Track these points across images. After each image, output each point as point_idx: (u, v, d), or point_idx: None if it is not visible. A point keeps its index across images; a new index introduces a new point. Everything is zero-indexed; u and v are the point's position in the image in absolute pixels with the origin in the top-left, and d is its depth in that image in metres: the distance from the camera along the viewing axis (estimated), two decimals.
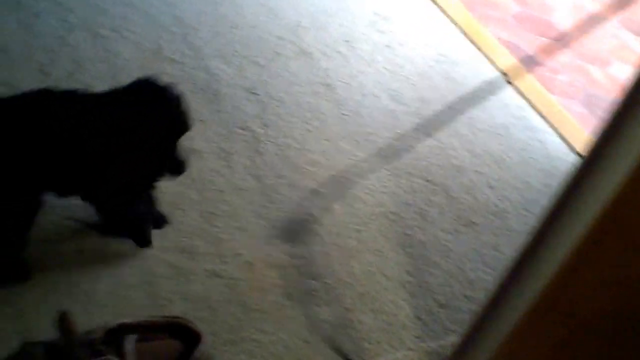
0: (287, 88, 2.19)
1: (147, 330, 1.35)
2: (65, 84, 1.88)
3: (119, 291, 1.49)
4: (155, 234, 1.62)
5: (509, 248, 1.90)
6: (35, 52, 1.96)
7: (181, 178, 1.75)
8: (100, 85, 1.92)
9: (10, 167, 1.33)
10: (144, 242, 1.59)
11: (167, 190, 1.73)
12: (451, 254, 1.85)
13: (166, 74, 2.05)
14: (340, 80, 2.31)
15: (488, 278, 1.81)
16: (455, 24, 2.90)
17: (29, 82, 1.86)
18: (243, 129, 1.97)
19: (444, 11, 2.95)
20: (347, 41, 2.52)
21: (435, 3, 2.98)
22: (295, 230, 1.76)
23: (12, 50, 1.94)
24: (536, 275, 0.96)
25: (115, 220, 1.57)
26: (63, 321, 1.22)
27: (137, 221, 1.58)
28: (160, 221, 1.65)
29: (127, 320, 1.31)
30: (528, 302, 0.96)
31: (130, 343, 1.28)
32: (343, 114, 2.17)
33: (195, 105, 1.98)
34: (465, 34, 2.86)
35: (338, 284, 1.67)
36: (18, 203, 1.38)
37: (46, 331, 1.38)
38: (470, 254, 1.87)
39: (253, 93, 2.11)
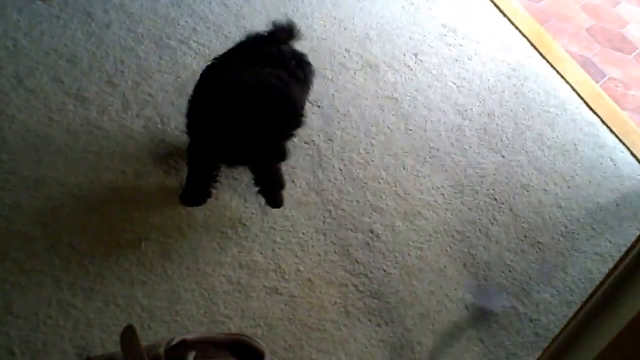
0: (352, 101, 2.16)
1: (208, 346, 1.34)
2: (132, 95, 1.91)
3: (177, 307, 1.48)
4: (214, 249, 1.61)
5: (577, 269, 1.82)
6: (103, 63, 1.99)
7: (243, 192, 1.76)
8: (164, 96, 1.94)
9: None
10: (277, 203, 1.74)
11: (228, 204, 1.72)
12: (516, 275, 1.79)
13: None
14: (406, 94, 2.26)
15: (554, 300, 1.74)
16: (526, 37, 2.81)
17: (96, 92, 1.89)
18: (307, 143, 1.95)
19: (514, 24, 2.87)
20: (414, 54, 2.47)
21: (506, 16, 2.91)
22: (356, 247, 1.72)
23: (80, 61, 1.97)
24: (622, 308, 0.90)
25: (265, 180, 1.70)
26: (127, 335, 1.21)
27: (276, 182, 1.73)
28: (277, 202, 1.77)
29: (188, 335, 1.30)
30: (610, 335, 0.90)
31: (191, 359, 1.26)
32: (409, 129, 2.13)
33: None
34: (536, 48, 2.77)
35: (399, 303, 1.63)
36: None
37: (103, 345, 1.39)
38: (536, 275, 1.80)
39: (318, 106, 2.09)
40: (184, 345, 1.32)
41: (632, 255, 0.97)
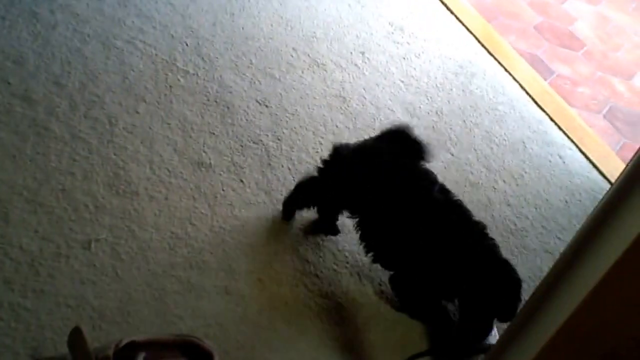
0: (300, 101, 2.18)
1: (157, 347, 1.34)
2: (79, 96, 1.89)
3: (128, 307, 1.48)
4: (164, 249, 1.61)
5: (527, 267, 1.87)
6: (50, 64, 1.96)
7: (193, 192, 1.76)
8: (112, 97, 1.93)
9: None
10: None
11: (178, 204, 1.72)
12: None
13: (179, 86, 2.04)
14: (354, 93, 2.29)
15: None
16: (474, 35, 2.87)
17: (43, 93, 1.86)
18: (256, 143, 1.96)
19: (461, 22, 2.93)
20: (362, 53, 2.50)
21: (453, 14, 2.96)
22: (306, 247, 1.74)
23: (27, 62, 1.94)
24: (562, 301, 0.93)
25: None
26: (75, 337, 1.21)
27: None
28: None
29: (137, 337, 1.30)
30: (552, 328, 0.93)
31: None
32: (357, 128, 2.15)
33: (207, 118, 1.98)
34: (483, 45, 2.83)
35: (349, 303, 1.65)
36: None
37: (55, 347, 1.38)
38: None
39: (266, 106, 2.10)
40: (134, 347, 1.32)
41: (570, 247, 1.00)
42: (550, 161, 2.31)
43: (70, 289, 1.48)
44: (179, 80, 2.06)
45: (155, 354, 1.34)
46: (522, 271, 1.84)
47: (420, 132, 2.21)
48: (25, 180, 1.64)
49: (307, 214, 1.78)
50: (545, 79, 2.80)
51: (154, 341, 1.35)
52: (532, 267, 1.90)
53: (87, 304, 1.46)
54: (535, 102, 2.59)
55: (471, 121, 2.36)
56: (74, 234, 1.58)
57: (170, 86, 2.03)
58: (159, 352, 1.35)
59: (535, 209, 2.09)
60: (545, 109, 2.56)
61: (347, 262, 1.73)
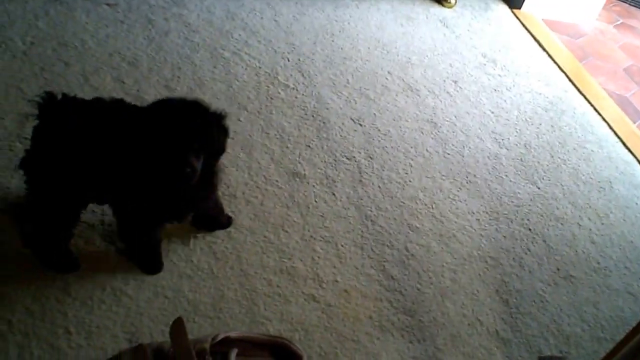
0: (393, 122, 2.23)
1: (249, 345, 1.39)
2: None
3: (220, 304, 1.55)
4: (257, 252, 1.68)
5: (608, 306, 1.85)
6: (162, 68, 2.07)
7: (287, 200, 1.82)
8: (217, 103, 2.02)
9: (70, 170, 1.37)
10: (151, 269, 1.59)
11: (272, 211, 1.79)
12: (548, 306, 1.82)
13: (279, 99, 2.13)
14: (445, 119, 2.33)
15: (585, 335, 1.77)
16: (564, 72, 2.87)
17: (154, 94, 1.97)
18: (349, 159, 2.02)
19: (553, 59, 2.93)
20: (454, 81, 2.53)
21: (545, 51, 2.97)
22: (392, 264, 1.78)
23: (141, 64, 2.06)
24: None
25: (132, 241, 1.54)
26: (177, 327, 1.27)
27: (151, 247, 1.56)
28: (226, 223, 1.73)
29: (231, 333, 1.36)
30: None
31: (233, 356, 1.32)
32: (447, 153, 2.19)
33: (304, 130, 2.05)
34: (573, 83, 2.82)
35: (431, 323, 1.68)
36: (69, 203, 1.43)
37: (151, 334, 1.46)
38: (567, 308, 1.83)
39: (360, 124, 2.16)
40: (227, 342, 1.38)
41: None
42: (637, 204, 2.28)
43: (169, 280, 1.56)
44: (279, 93, 2.15)
45: (246, 351, 1.38)
46: (603, 310, 1.84)
47: (507, 162, 2.23)
48: None
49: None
50: (634, 122, 2.77)
51: (246, 339, 1.40)
52: (613, 307, 1.88)
53: (183, 297, 1.54)
54: (624, 144, 2.56)
55: (559, 157, 2.36)
56: (176, 229, 1.66)
57: (271, 98, 2.12)
58: (250, 350, 1.39)
59: (620, 249, 2.07)
60: (634, 151, 2.53)
61: (432, 283, 1.76)
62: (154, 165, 1.30)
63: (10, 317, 1.41)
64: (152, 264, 1.58)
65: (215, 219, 1.70)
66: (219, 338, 1.35)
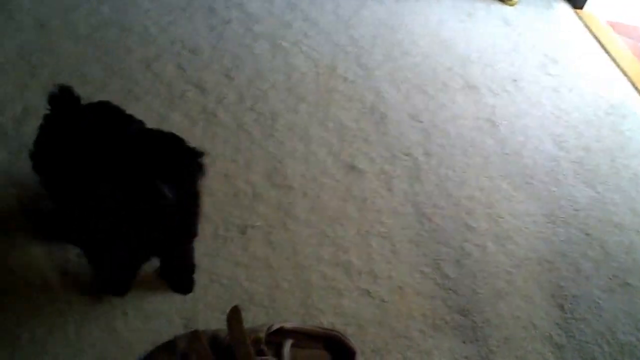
0: (451, 120, 2.20)
1: (303, 337, 1.39)
2: (246, 90, 2.00)
3: (275, 294, 1.55)
4: (312, 244, 1.67)
5: None
6: (222, 56, 2.09)
7: (343, 194, 1.82)
8: (276, 94, 2.03)
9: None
10: (108, 290, 1.48)
11: (328, 204, 1.79)
12: (603, 313, 1.78)
13: (338, 91, 2.12)
14: (504, 119, 2.29)
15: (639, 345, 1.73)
16: (628, 77, 2.79)
17: (214, 82, 1.99)
18: (406, 155, 2.00)
19: (616, 63, 2.86)
20: (514, 80, 2.49)
21: (608, 53, 2.89)
22: (447, 262, 1.76)
23: (202, 53, 2.08)
24: None
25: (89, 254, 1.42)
26: (234, 315, 1.28)
27: (109, 265, 1.43)
28: (185, 288, 1.54)
29: (286, 324, 1.36)
30: None
31: (287, 347, 1.32)
32: (505, 153, 2.15)
33: (362, 124, 2.04)
34: (637, 88, 2.75)
35: (484, 324, 1.65)
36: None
37: (206, 320, 1.47)
38: (624, 316, 1.79)
39: (418, 121, 2.14)
40: (281, 333, 1.38)
41: None
42: None
43: (225, 268, 1.57)
44: (338, 85, 2.14)
45: (300, 342, 1.39)
46: None
47: (566, 165, 2.18)
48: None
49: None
50: None
51: (300, 330, 1.40)
52: None
53: (238, 285, 1.55)
54: None
55: (619, 162, 2.30)
56: (232, 218, 1.67)
57: (330, 90, 2.11)
58: (304, 342, 1.40)
59: None
60: None
61: (486, 284, 1.74)
62: (125, 191, 1.20)
63: (70, 297, 1.44)
64: (118, 288, 1.49)
65: (178, 275, 1.53)
66: (274, 328, 1.36)
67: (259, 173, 1.79)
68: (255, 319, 1.50)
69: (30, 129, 1.70)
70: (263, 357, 1.27)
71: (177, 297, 1.49)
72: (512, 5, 3.01)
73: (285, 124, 1.94)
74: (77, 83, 1.89)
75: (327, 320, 1.54)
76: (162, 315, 1.45)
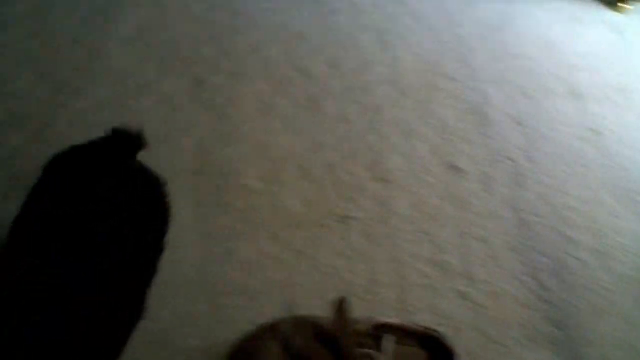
0: (554, 126, 2.14)
1: (401, 333, 1.39)
2: (351, 81, 2.00)
3: (373, 287, 1.55)
4: (410, 241, 1.66)
5: None
6: (328, 46, 2.09)
7: (442, 193, 1.79)
8: (380, 87, 2.01)
9: None
10: None
11: (427, 201, 1.77)
12: None
13: (442, 90, 2.09)
14: (609, 129, 2.21)
15: None
16: None
17: (320, 71, 1.99)
18: (508, 159, 1.96)
19: None
20: (622, 90, 2.40)
21: None
22: (546, 273, 1.71)
23: (308, 41, 2.08)
24: None
25: None
26: (342, 305, 1.29)
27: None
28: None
29: (391, 320, 1.36)
30: None
31: (389, 343, 1.32)
32: (610, 166, 2.08)
33: (464, 124, 2.01)
34: None
35: (582, 340, 1.61)
36: None
37: (305, 305, 1.48)
38: None
39: (520, 125, 2.09)
40: (381, 327, 1.38)
41: None
42: None
43: (326, 257, 1.58)
44: (441, 83, 2.11)
45: (400, 339, 1.38)
46: None
47: None
48: (300, 148, 1.77)
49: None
50: None
51: (400, 327, 1.40)
52: None
53: (338, 276, 1.55)
54: None
55: None
56: (334, 207, 1.67)
57: (433, 87, 2.09)
58: (404, 339, 1.39)
59: None
60: None
61: (585, 299, 1.68)
62: None
63: (178, 270, 1.47)
64: None
65: None
66: (380, 323, 1.36)
67: (361, 165, 1.79)
68: (353, 310, 1.50)
69: (144, 105, 1.76)
70: (365, 350, 1.27)
71: (278, 280, 1.51)
72: (623, 12, 2.89)
73: (389, 119, 1.93)
74: (191, 62, 1.94)
75: (422, 319, 1.53)
76: (264, 296, 1.47)
